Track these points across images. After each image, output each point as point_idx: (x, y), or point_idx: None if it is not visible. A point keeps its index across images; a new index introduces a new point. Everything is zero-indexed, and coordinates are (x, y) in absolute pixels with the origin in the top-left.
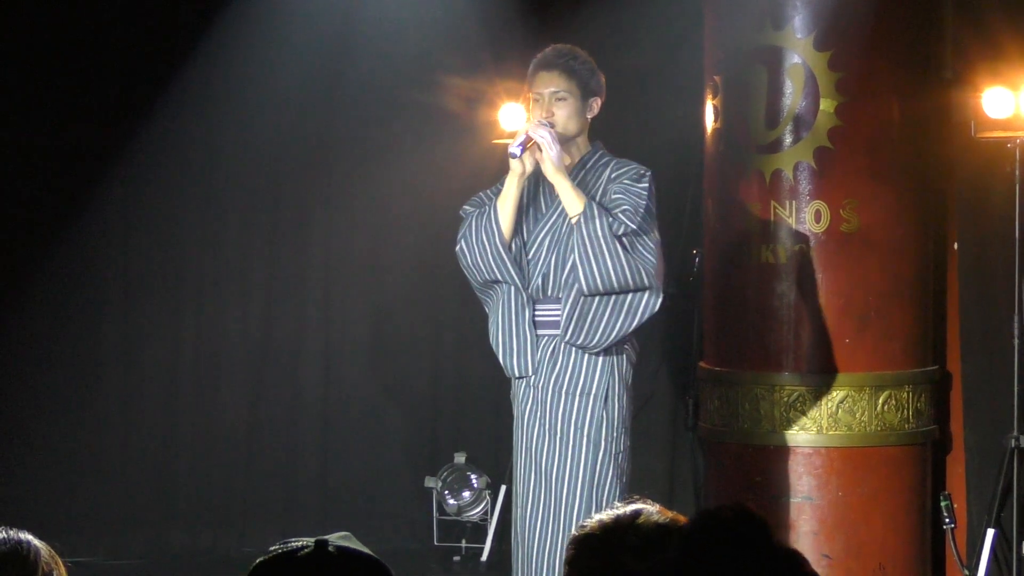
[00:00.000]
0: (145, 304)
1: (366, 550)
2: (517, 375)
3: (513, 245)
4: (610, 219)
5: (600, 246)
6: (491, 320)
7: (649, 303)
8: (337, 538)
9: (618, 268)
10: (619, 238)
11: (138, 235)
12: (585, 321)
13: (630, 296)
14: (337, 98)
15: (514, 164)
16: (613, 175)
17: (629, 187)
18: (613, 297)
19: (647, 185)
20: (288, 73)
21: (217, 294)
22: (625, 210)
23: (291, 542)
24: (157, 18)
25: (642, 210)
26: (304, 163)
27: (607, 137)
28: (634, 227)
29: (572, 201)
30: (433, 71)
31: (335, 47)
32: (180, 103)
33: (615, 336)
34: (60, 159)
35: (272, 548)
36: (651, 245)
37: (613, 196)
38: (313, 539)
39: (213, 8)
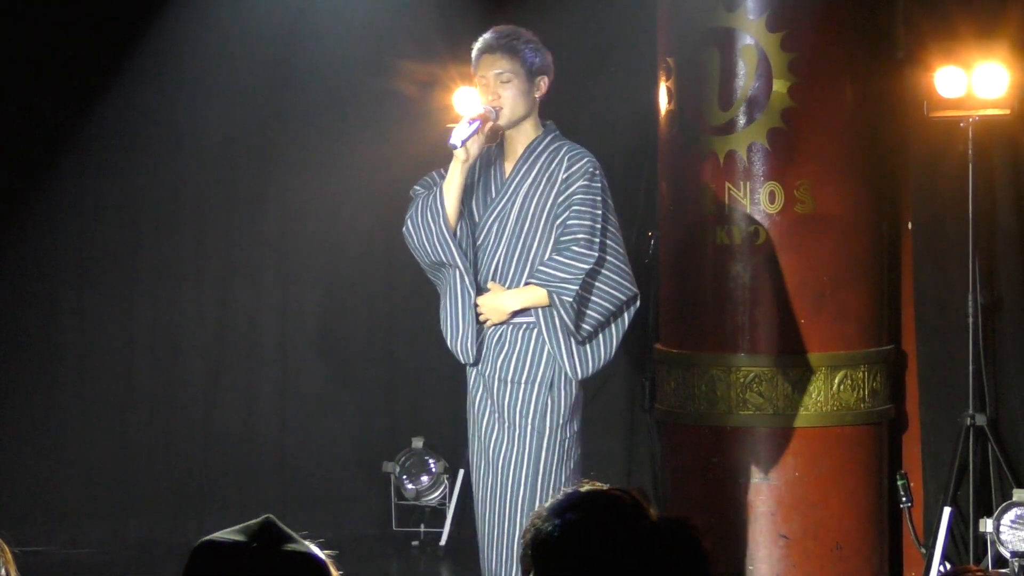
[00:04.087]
0: (100, 290)
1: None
2: (462, 360)
3: (459, 229)
4: (573, 289)
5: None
6: (441, 304)
7: (631, 308)
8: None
9: (601, 307)
10: (591, 278)
11: (92, 220)
12: (586, 354)
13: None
14: (291, 82)
15: (458, 151)
16: (565, 174)
17: (585, 198)
18: (603, 325)
19: (600, 185)
20: (242, 57)
21: (172, 280)
22: (580, 240)
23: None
24: (109, 2)
25: (599, 225)
26: (258, 147)
27: (561, 119)
28: (596, 255)
29: (541, 302)
30: (387, 55)
31: (288, 31)
32: (133, 87)
33: (615, 349)
34: (13, 144)
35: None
36: (617, 249)
37: (569, 223)
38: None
39: None
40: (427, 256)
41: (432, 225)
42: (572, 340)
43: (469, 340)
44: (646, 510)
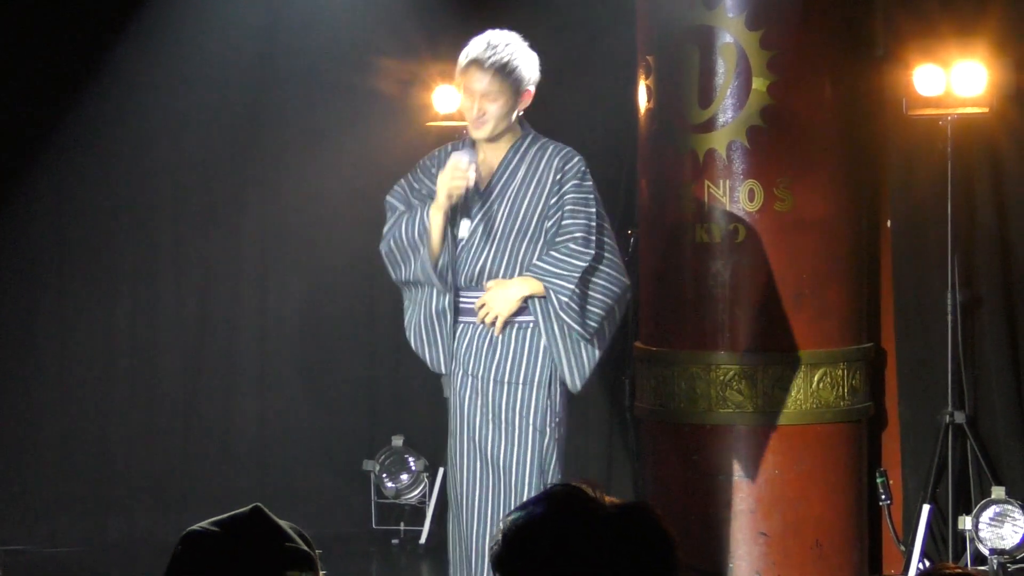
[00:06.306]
0: (80, 286)
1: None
2: (433, 369)
3: (443, 256)
4: (576, 274)
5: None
6: (410, 311)
7: (625, 299)
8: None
9: (602, 301)
10: (591, 274)
11: (72, 215)
12: (582, 359)
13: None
14: (270, 80)
15: (442, 200)
16: (557, 175)
17: (578, 197)
18: (604, 319)
19: (590, 183)
20: (221, 54)
21: (151, 277)
22: (578, 238)
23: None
24: (85, 1)
25: (594, 223)
26: (238, 144)
27: (540, 117)
28: (593, 252)
29: (539, 292)
30: (366, 53)
31: (267, 28)
32: (111, 83)
33: (604, 349)
34: None
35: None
36: (612, 245)
37: (564, 222)
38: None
39: None
40: (405, 276)
41: (412, 258)
42: (572, 343)
43: (443, 354)
44: (601, 499)
